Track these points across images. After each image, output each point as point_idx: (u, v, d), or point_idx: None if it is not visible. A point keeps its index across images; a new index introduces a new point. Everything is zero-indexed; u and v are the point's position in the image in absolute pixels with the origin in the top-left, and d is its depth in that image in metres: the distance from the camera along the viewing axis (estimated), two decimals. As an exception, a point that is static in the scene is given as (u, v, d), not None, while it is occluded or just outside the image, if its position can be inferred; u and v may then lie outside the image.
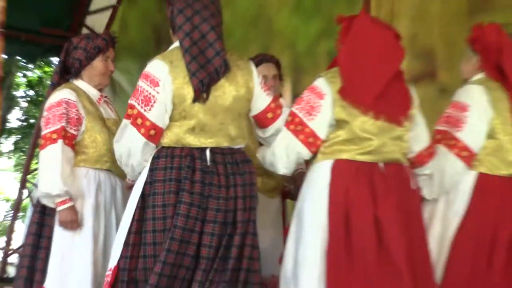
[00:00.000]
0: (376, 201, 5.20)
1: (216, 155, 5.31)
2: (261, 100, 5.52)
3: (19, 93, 24.73)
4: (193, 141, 5.29)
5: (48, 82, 15.45)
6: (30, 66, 23.30)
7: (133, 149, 5.35)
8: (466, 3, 9.80)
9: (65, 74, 6.80)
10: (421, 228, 5.53)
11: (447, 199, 5.93)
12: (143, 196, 5.31)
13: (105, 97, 6.89)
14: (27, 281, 6.45)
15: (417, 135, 5.54)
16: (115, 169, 6.61)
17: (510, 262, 5.69)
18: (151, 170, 5.32)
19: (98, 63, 6.68)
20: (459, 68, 6.33)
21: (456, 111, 5.90)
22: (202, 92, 5.21)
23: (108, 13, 13.43)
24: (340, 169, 5.31)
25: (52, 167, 6.38)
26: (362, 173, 5.28)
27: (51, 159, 6.41)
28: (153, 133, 5.26)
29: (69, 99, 6.48)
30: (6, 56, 13.23)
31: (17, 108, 24.55)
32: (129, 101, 5.38)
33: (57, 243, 6.42)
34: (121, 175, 6.57)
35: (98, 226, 6.54)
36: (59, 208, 6.34)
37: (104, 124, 6.70)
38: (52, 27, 13.27)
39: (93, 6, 13.50)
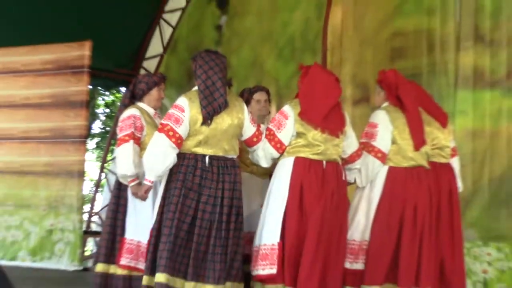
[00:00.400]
0: (320, 185, 6.06)
1: (213, 160, 5.95)
2: (249, 130, 6.16)
3: (99, 110, 24.66)
4: (198, 150, 5.92)
5: (118, 104, 15.91)
6: (107, 93, 23.84)
7: (167, 150, 5.80)
8: (389, 53, 10.80)
9: (133, 99, 7.31)
10: (345, 204, 6.37)
11: (371, 185, 6.64)
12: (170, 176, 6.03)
13: (158, 114, 7.32)
14: (110, 234, 7.02)
15: (349, 142, 6.43)
16: None
17: (414, 230, 6.38)
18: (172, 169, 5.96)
19: (154, 92, 7.23)
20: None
21: (370, 128, 6.67)
22: (208, 119, 5.84)
23: (157, 59, 14.17)
24: (299, 163, 6.20)
25: (126, 158, 6.84)
26: (313, 167, 6.15)
27: (125, 153, 6.85)
28: (179, 142, 5.85)
29: (135, 115, 6.97)
30: (91, 87, 13.13)
31: (98, 121, 24.67)
32: (162, 121, 5.97)
33: (131, 206, 6.94)
34: None
35: (154, 196, 6.74)
36: (131, 184, 6.82)
37: None
38: (121, 68, 13.97)
39: (147, 54, 14.21)
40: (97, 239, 13.34)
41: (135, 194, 6.74)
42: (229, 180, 5.94)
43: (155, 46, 14.16)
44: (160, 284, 5.67)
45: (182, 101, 5.89)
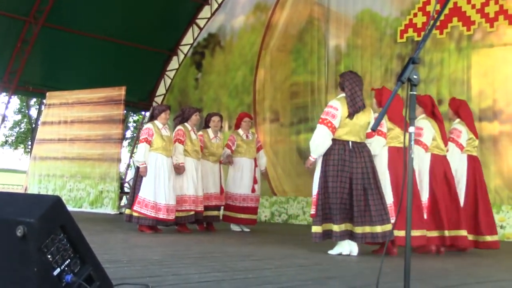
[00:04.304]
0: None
1: (354, 144, 5.03)
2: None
3: (130, 124, 24.77)
4: (344, 137, 4.99)
5: (139, 120, 16.00)
6: (134, 115, 23.00)
7: (326, 136, 4.95)
8: (289, 94, 10.76)
9: (151, 119, 6.97)
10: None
11: (419, 166, 5.56)
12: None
13: (165, 126, 6.86)
14: (132, 194, 6.90)
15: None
16: (163, 152, 6.76)
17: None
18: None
19: (163, 115, 6.87)
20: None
21: (417, 130, 5.45)
22: (352, 115, 4.95)
23: (162, 96, 13.67)
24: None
25: (140, 151, 6.73)
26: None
27: (140, 148, 6.73)
28: (334, 131, 4.94)
29: (150, 127, 6.75)
30: (125, 111, 12.72)
31: (129, 130, 24.57)
32: (321, 116, 5.04)
33: (146, 177, 6.66)
34: (166, 155, 6.77)
35: (157, 174, 6.66)
36: (141, 166, 6.70)
37: (162, 137, 6.74)
38: (143, 101, 13.65)
39: (157, 93, 13.75)
40: (127, 196, 13.41)
41: (142, 172, 6.64)
42: (367, 155, 5.06)
43: (161, 89, 13.85)
44: (328, 231, 4.94)
45: (335, 103, 5.05)
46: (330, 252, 5.04)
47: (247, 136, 7.90)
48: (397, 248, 5.14)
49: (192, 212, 7.06)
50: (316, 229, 4.99)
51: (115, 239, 5.87)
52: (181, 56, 13.57)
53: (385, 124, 5.34)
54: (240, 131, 7.93)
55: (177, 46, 13.56)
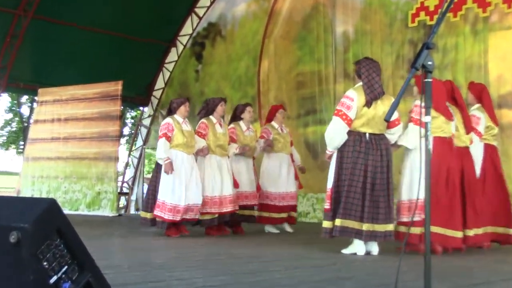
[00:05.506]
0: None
1: (372, 136, 4.97)
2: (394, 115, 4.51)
3: (128, 121, 24.79)
4: (361, 128, 4.96)
5: (137, 116, 16.46)
6: (132, 110, 23.08)
7: (341, 129, 4.94)
8: (295, 84, 10.73)
9: (169, 113, 6.78)
10: None
11: None
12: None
13: (185, 121, 6.70)
14: (151, 195, 6.79)
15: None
16: (184, 149, 6.61)
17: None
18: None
19: (182, 108, 6.71)
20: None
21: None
22: (369, 103, 4.90)
23: (161, 91, 13.75)
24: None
25: (159, 148, 6.56)
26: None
27: (159, 145, 6.55)
28: (350, 123, 4.91)
29: (169, 122, 6.60)
30: (122, 107, 13.37)
31: (127, 127, 24.52)
32: (337, 107, 5.03)
33: (164, 177, 6.50)
34: (187, 152, 6.63)
35: (177, 174, 6.49)
36: (164, 163, 6.45)
37: (183, 133, 6.61)
38: (139, 96, 13.71)
39: (155, 87, 13.79)
40: (126, 196, 13.54)
41: (166, 169, 6.41)
42: (385, 148, 5.00)
43: (160, 82, 13.88)
44: (338, 227, 4.87)
45: (351, 93, 4.99)
46: (344, 251, 5.00)
47: (281, 130, 7.66)
48: (428, 245, 4.96)
49: (216, 215, 6.83)
50: (326, 224, 4.98)
51: (114, 243, 5.90)
52: (180, 48, 13.56)
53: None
54: (275, 124, 7.65)
55: (175, 37, 13.54)
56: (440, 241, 4.95)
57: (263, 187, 7.49)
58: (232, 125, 7.39)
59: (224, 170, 6.96)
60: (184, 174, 6.53)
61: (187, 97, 7.05)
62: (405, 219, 5.10)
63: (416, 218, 4.87)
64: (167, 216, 6.50)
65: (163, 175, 6.56)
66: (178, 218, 6.49)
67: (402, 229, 5.08)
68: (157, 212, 6.55)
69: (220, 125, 7.06)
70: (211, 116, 7.03)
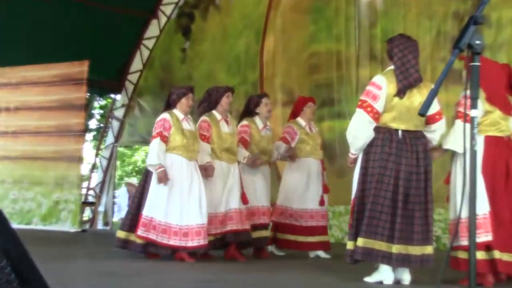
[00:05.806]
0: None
1: (405, 133, 4.88)
2: (434, 107, 4.88)
3: (95, 111, 25.54)
4: (391, 124, 4.90)
5: (107, 106, 16.21)
6: (101, 98, 22.20)
7: (366, 124, 4.92)
8: (307, 68, 10.79)
9: (168, 107, 6.64)
10: None
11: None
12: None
13: (188, 118, 6.58)
14: (135, 210, 6.56)
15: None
16: (183, 154, 6.45)
17: None
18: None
19: (184, 101, 6.52)
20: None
21: None
22: (402, 92, 4.87)
23: (138, 74, 13.87)
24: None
25: (152, 151, 6.43)
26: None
27: (152, 147, 6.42)
28: (377, 116, 4.87)
29: (166, 118, 6.44)
30: (89, 94, 13.21)
31: (94, 119, 25.56)
32: (361, 98, 5.01)
33: (154, 188, 6.36)
34: (188, 158, 6.45)
35: (173, 184, 6.36)
36: (157, 171, 6.30)
37: (183, 132, 6.45)
38: (110, 81, 13.84)
39: (131, 70, 13.92)
40: (92, 207, 13.51)
41: (159, 180, 6.32)
42: (423, 150, 4.94)
43: (137, 64, 13.96)
44: (360, 248, 4.79)
45: (379, 79, 4.99)
46: (367, 279, 4.94)
47: (310, 129, 7.43)
48: (498, 276, 4.89)
49: (218, 236, 6.65)
50: (349, 245, 4.95)
51: (77, 267, 5.85)
52: (163, 20, 13.60)
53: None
54: (302, 121, 7.43)
55: (157, 6, 13.56)
56: (507, 270, 4.84)
57: (285, 202, 7.29)
58: (245, 122, 7.18)
59: (230, 179, 6.79)
60: (180, 185, 6.41)
61: (191, 87, 6.86)
62: (466, 242, 4.64)
63: (482, 239, 4.75)
64: (160, 238, 6.31)
65: (153, 185, 6.45)
66: (171, 242, 6.31)
67: (462, 255, 4.90)
68: (141, 232, 6.34)
69: (226, 122, 6.91)
70: (214, 111, 6.87)
